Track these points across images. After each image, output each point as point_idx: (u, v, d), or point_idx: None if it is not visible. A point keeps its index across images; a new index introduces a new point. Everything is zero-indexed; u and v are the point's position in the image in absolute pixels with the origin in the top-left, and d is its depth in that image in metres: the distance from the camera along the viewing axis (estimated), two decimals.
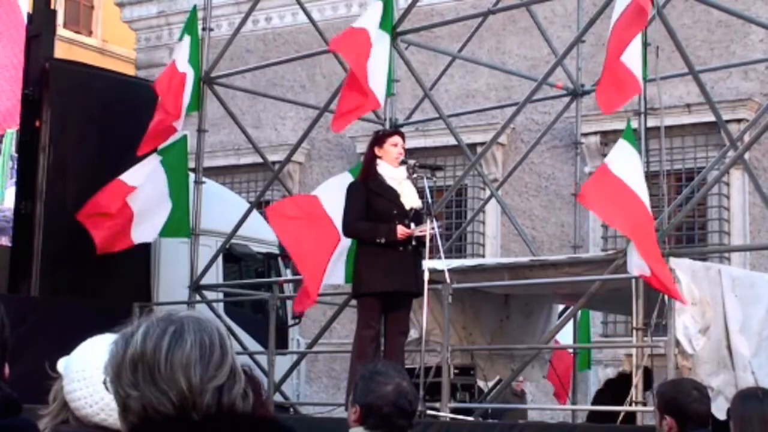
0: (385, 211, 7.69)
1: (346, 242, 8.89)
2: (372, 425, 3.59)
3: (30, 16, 10.42)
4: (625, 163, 7.89)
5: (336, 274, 9.30)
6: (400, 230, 7.57)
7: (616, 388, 10.62)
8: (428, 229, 7.56)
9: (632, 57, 7.85)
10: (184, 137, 11.00)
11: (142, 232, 10.56)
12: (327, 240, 9.05)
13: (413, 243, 7.69)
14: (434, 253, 7.63)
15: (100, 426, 2.65)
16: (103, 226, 10.44)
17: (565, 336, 11.27)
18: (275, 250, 12.50)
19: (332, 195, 9.16)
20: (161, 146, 10.79)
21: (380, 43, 9.33)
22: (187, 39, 10.94)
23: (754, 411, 4.45)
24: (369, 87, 9.05)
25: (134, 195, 10.48)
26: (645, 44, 8.13)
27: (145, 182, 10.54)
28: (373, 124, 11.73)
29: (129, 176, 10.53)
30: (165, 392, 2.00)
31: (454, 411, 8.48)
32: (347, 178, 9.34)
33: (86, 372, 2.69)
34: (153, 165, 10.65)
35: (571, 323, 10.62)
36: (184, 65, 10.80)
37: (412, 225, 7.67)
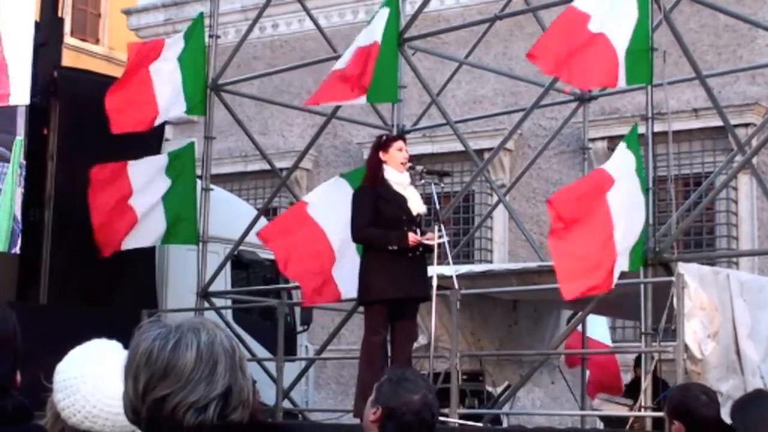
0: (394, 217, 7.70)
1: (349, 251, 8.87)
2: (391, 430, 3.50)
3: (37, 25, 10.41)
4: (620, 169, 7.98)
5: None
6: (412, 237, 7.57)
7: None
8: (436, 237, 7.57)
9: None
10: (192, 144, 11.00)
11: (134, 239, 10.54)
12: (317, 246, 9.08)
13: (420, 249, 7.70)
14: (442, 260, 7.63)
15: None
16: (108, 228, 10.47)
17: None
18: None
19: (323, 202, 9.16)
20: (169, 150, 10.82)
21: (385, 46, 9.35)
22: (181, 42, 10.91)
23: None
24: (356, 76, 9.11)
25: (135, 199, 10.50)
26: (652, 49, 8.13)
27: (144, 187, 10.55)
28: (380, 131, 11.71)
29: (133, 176, 10.58)
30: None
31: (463, 417, 8.47)
32: (339, 184, 9.34)
33: (67, 381, 2.68)
34: (157, 168, 10.65)
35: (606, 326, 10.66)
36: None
37: (418, 231, 7.68)
